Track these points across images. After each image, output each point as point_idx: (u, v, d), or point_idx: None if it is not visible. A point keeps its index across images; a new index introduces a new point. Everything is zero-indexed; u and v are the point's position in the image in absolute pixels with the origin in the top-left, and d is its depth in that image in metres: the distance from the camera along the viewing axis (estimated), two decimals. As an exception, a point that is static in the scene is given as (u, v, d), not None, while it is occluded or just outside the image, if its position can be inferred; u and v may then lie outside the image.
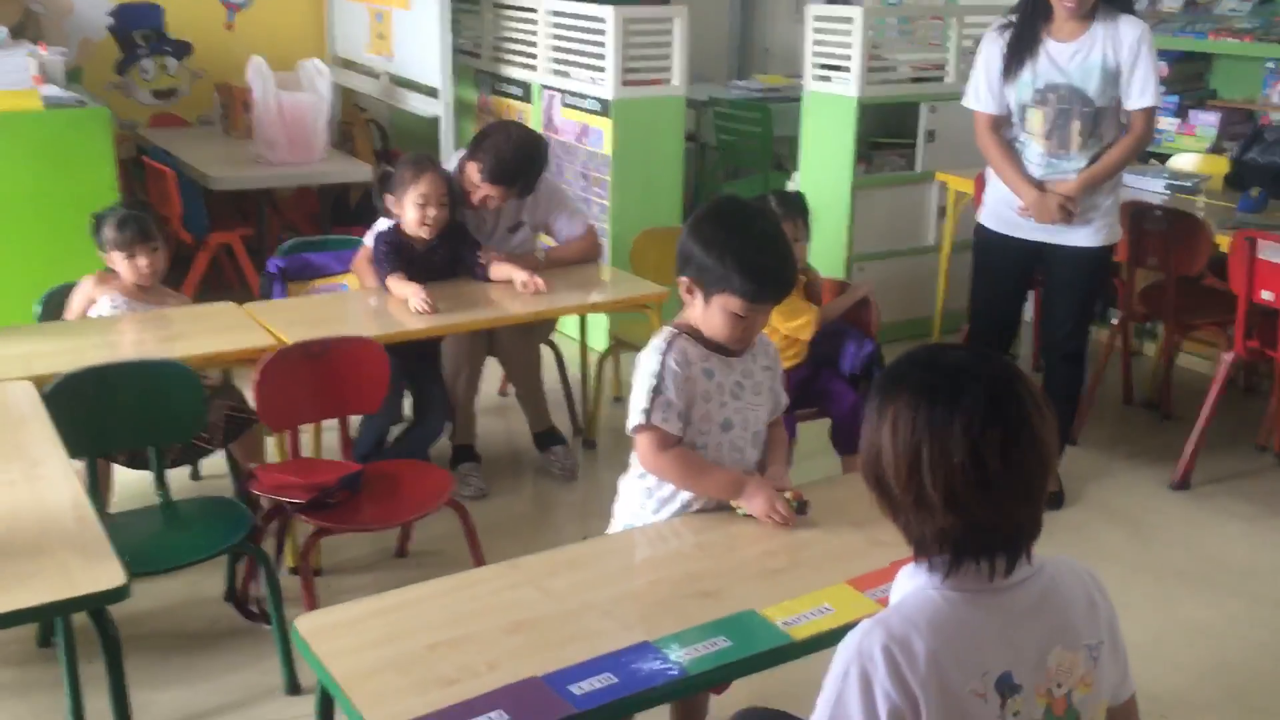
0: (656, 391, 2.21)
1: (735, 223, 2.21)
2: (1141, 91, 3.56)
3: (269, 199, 5.75)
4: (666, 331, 2.27)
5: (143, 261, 3.43)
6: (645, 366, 2.24)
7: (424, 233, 3.70)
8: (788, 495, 2.21)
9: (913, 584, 1.47)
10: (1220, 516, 3.84)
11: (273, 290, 3.97)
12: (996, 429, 1.37)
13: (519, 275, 3.70)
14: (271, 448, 3.41)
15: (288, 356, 3.10)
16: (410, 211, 3.67)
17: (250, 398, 3.17)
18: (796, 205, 3.42)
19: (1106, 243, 3.73)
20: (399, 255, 3.70)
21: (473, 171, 3.81)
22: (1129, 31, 3.52)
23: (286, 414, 3.13)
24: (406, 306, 3.54)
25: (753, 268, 2.15)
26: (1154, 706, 2.86)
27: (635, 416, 2.23)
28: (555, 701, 1.70)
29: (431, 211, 3.66)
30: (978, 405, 1.37)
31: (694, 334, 2.26)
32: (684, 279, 2.23)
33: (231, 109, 5.96)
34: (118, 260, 3.43)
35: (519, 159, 3.82)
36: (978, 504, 1.39)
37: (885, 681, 1.36)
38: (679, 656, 1.82)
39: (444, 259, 3.79)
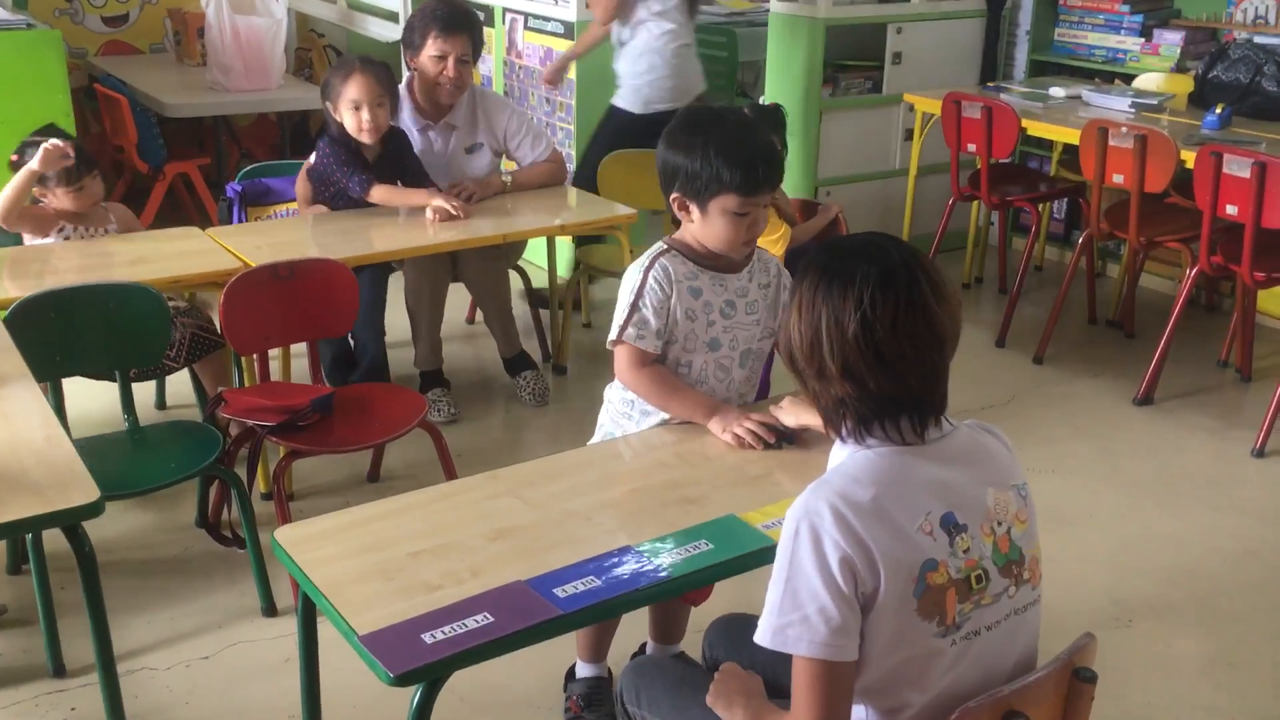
0: (634, 309, 2.19)
1: (707, 123, 2.16)
2: None
3: (226, 127, 5.64)
4: (656, 247, 2.24)
5: (77, 199, 3.36)
6: (628, 282, 2.22)
7: (365, 138, 3.60)
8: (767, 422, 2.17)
9: (845, 451, 1.55)
10: (1183, 429, 3.91)
11: (231, 215, 3.91)
12: (888, 303, 1.46)
13: (432, 201, 3.61)
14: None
15: (254, 279, 3.06)
16: (347, 119, 3.59)
17: (217, 323, 3.13)
18: (773, 118, 3.39)
19: (622, 105, 4.56)
20: (357, 163, 3.64)
21: (431, 46, 3.78)
22: None
23: (254, 337, 3.09)
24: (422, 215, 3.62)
25: (739, 157, 2.10)
26: (1121, 611, 2.93)
27: (613, 330, 2.22)
28: (540, 604, 1.71)
29: (366, 115, 3.56)
30: (868, 282, 1.47)
31: (686, 250, 2.23)
32: (675, 196, 2.18)
33: (185, 35, 5.82)
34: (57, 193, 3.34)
35: (459, 5, 3.90)
36: (870, 373, 1.48)
37: (834, 532, 1.42)
38: (662, 559, 1.82)
39: (394, 170, 3.72)
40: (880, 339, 1.46)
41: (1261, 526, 3.34)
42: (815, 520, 1.43)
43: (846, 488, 1.46)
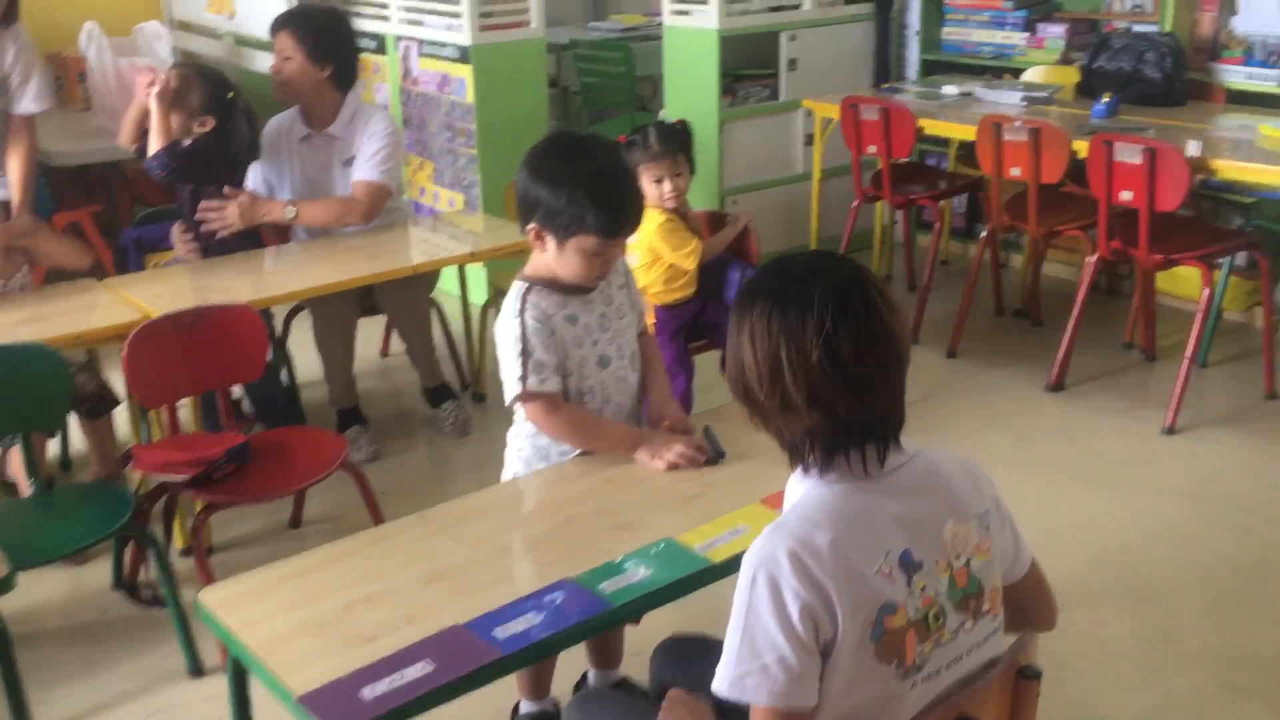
0: (525, 354, 2.14)
1: (577, 158, 2.12)
2: (36, 97, 3.78)
3: (116, 173, 5.47)
4: (516, 288, 2.18)
5: None
6: (507, 334, 2.16)
7: None
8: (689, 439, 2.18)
9: (802, 488, 1.51)
10: (1095, 413, 3.99)
11: (128, 263, 3.80)
12: (848, 325, 1.42)
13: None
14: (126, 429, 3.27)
15: (156, 329, 2.97)
16: None
17: (119, 378, 3.03)
18: (678, 138, 3.33)
19: None
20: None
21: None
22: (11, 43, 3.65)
23: (161, 389, 2.99)
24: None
25: (605, 203, 2.07)
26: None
27: (512, 386, 2.16)
28: (481, 647, 1.67)
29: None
30: (827, 304, 1.42)
31: (546, 283, 2.18)
32: (531, 226, 2.13)
33: (66, 80, 5.63)
34: None
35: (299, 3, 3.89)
36: (839, 398, 1.43)
37: (792, 581, 1.38)
38: (601, 589, 1.80)
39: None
40: (845, 361, 1.41)
41: (1178, 502, 3.42)
42: (773, 569, 1.39)
43: (805, 532, 1.42)
